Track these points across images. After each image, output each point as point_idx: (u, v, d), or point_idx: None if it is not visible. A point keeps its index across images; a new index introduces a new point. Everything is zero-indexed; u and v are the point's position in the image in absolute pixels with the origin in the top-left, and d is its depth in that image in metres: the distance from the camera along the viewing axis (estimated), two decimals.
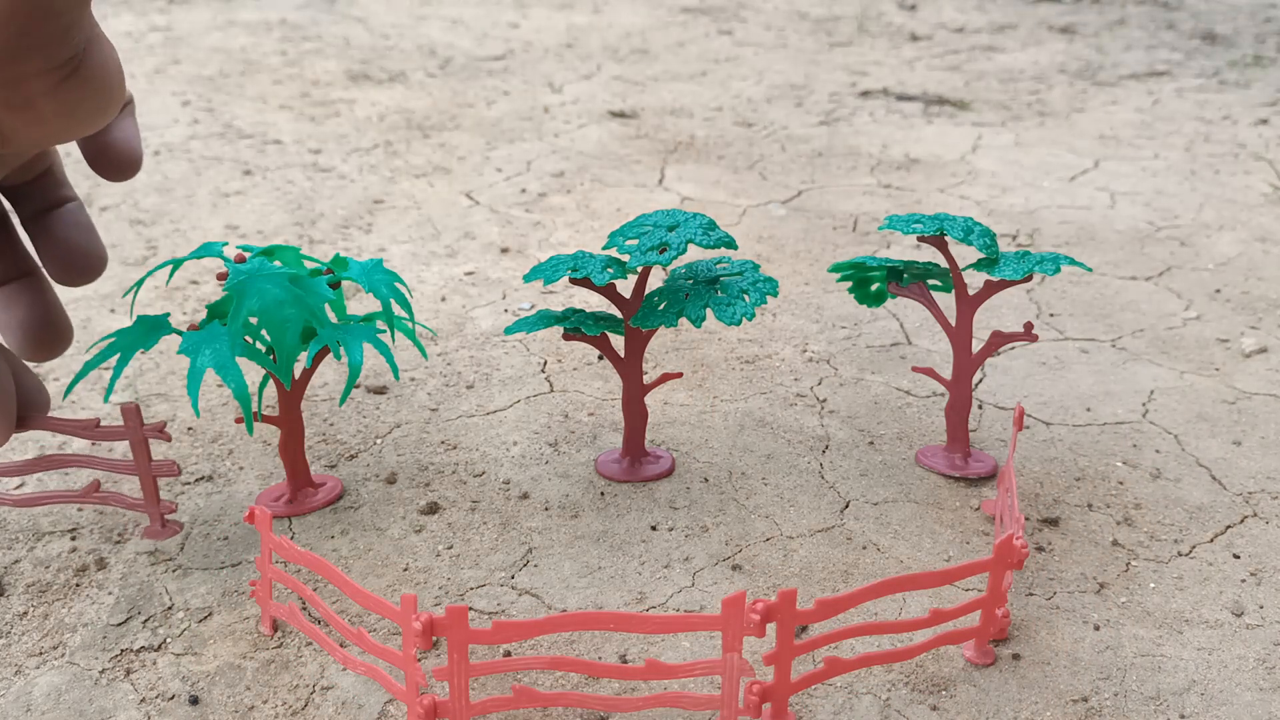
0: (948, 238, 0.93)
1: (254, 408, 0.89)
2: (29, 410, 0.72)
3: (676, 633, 0.75)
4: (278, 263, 0.83)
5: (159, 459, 0.79)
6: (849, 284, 1.06)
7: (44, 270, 0.74)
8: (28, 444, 0.95)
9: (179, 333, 0.80)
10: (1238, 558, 0.84)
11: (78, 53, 0.49)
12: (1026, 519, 0.88)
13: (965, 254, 1.42)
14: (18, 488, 0.85)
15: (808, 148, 2.01)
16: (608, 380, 1.13)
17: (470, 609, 0.77)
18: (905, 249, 1.51)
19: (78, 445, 0.96)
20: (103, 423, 0.80)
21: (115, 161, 0.70)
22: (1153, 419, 1.04)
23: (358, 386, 1.10)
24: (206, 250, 0.82)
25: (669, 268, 1.32)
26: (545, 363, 1.17)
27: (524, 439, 1.01)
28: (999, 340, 0.91)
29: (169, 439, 0.78)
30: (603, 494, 0.93)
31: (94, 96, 0.52)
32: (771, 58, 2.82)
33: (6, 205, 0.65)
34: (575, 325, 0.89)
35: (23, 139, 0.52)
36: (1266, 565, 0.83)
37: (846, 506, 0.91)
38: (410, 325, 0.92)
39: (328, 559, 0.84)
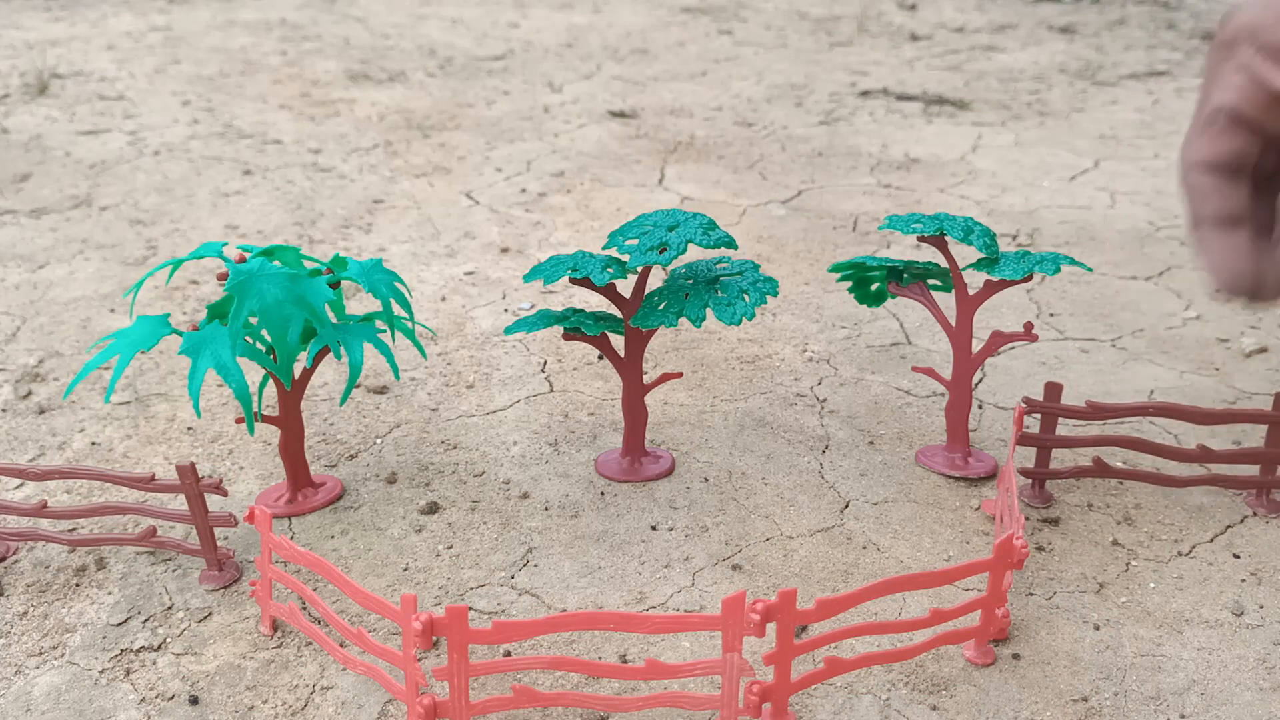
0: (948, 238, 0.94)
1: (254, 408, 0.89)
2: None
3: (676, 633, 0.75)
4: (278, 263, 0.83)
5: (215, 511, 0.79)
6: (849, 284, 1.06)
7: None
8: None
9: (179, 333, 0.80)
10: (1238, 558, 0.84)
11: None
12: (1026, 519, 0.88)
13: (965, 254, 1.42)
14: (71, 530, 0.86)
15: (808, 148, 2.01)
16: (608, 380, 1.13)
17: (470, 609, 0.77)
18: (905, 249, 1.51)
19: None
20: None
21: None
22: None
23: (358, 386, 1.10)
24: (206, 250, 0.82)
25: (669, 268, 1.32)
26: (545, 363, 1.17)
27: (524, 439, 1.01)
28: (999, 340, 0.91)
29: (225, 494, 0.79)
30: (603, 494, 0.93)
31: None
32: (771, 58, 2.83)
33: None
34: (575, 325, 0.89)
35: None
36: (1266, 565, 0.83)
37: (846, 506, 0.91)
38: (410, 325, 0.92)
39: (328, 559, 0.84)
